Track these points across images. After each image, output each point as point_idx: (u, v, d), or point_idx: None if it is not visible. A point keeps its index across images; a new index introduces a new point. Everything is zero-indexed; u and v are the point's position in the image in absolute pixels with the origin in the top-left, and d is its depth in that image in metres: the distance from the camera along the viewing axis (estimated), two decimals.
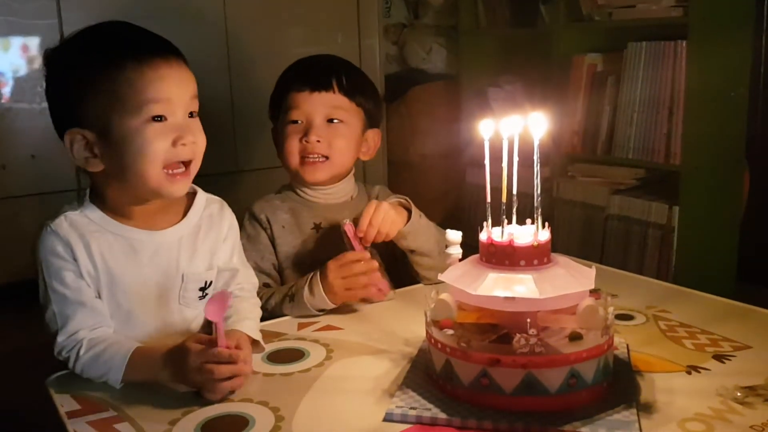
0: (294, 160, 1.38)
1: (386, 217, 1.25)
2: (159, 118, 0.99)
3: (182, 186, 1.04)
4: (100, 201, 1.06)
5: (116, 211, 1.06)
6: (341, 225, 1.26)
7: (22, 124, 2.02)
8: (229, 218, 1.16)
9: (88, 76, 0.99)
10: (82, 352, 0.98)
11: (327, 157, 1.37)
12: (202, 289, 1.10)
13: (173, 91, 1.00)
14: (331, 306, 1.21)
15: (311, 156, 1.37)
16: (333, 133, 1.37)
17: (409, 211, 1.32)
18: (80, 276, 1.02)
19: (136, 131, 0.98)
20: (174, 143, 1.00)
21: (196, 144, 1.03)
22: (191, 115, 1.04)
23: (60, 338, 1.00)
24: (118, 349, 0.98)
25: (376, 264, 1.23)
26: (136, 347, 0.99)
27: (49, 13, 1.99)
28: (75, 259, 1.02)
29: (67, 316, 1.00)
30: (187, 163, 1.03)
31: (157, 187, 1.02)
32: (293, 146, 1.38)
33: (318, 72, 1.39)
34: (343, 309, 1.24)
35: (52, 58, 1.05)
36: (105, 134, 0.99)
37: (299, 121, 1.38)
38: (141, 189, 1.02)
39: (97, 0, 1.98)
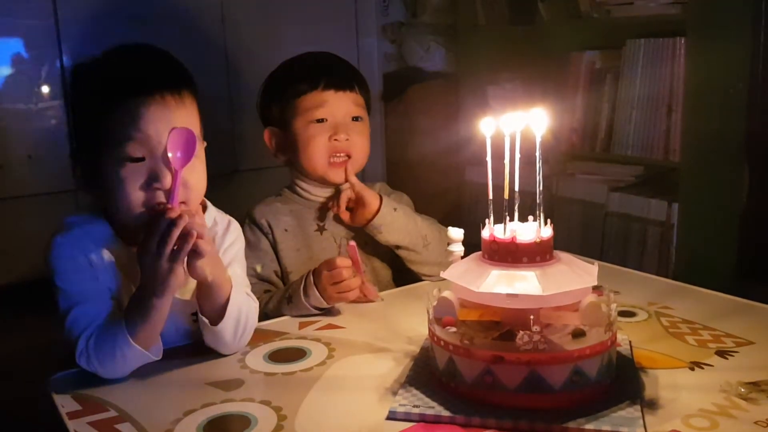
0: (322, 160, 1.36)
1: (363, 188, 1.34)
2: (135, 159, 0.97)
3: None
4: (110, 216, 1.06)
5: (121, 229, 1.05)
6: (347, 242, 1.25)
7: (18, 124, 2.01)
8: (231, 239, 1.12)
9: (86, 113, 1.02)
10: (91, 343, 0.96)
11: (349, 156, 1.37)
12: (194, 314, 1.06)
13: (152, 130, 0.97)
14: (327, 305, 1.21)
15: (338, 155, 1.36)
16: (356, 130, 1.37)
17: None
18: (96, 279, 1.02)
19: (112, 171, 0.98)
20: (147, 185, 0.97)
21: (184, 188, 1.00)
22: None
23: (81, 342, 0.97)
24: (111, 315, 0.98)
25: (362, 272, 1.22)
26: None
27: (45, 14, 1.99)
28: (91, 265, 1.02)
29: (96, 313, 0.99)
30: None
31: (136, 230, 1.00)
32: (322, 146, 1.35)
33: (339, 71, 1.39)
34: (345, 308, 1.23)
35: (77, 75, 1.06)
36: (95, 167, 1.01)
37: (326, 120, 1.36)
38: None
39: (94, 1, 1.97)
